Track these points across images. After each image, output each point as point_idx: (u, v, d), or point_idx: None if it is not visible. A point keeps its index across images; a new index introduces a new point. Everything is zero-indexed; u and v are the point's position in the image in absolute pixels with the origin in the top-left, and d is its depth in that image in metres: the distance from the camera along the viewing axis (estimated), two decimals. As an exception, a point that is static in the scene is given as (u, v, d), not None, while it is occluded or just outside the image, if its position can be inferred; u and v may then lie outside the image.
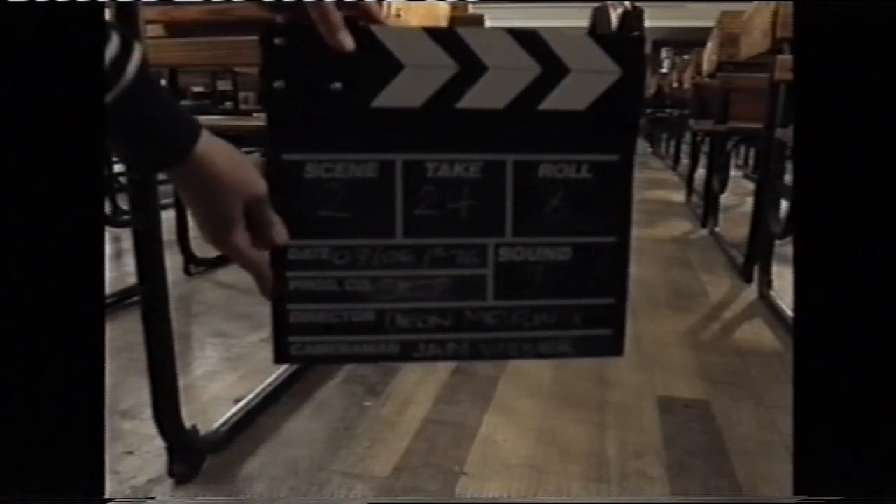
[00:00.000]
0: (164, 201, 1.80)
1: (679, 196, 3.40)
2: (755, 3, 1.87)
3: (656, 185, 4.11)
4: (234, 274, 1.79)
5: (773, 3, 1.60)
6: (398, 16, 1.44)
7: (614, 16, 5.26)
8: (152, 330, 0.80)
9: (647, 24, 5.75)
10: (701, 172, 3.00)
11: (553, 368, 1.20)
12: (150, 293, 0.81)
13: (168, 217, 1.68)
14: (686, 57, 4.85)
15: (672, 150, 5.27)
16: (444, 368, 1.18)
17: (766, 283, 1.62)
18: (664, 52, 14.33)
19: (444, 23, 1.84)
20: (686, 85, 3.90)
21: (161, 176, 0.44)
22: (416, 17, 1.53)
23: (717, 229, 2.37)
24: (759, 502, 0.92)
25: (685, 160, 4.52)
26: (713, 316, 1.53)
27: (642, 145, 7.74)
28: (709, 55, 2.61)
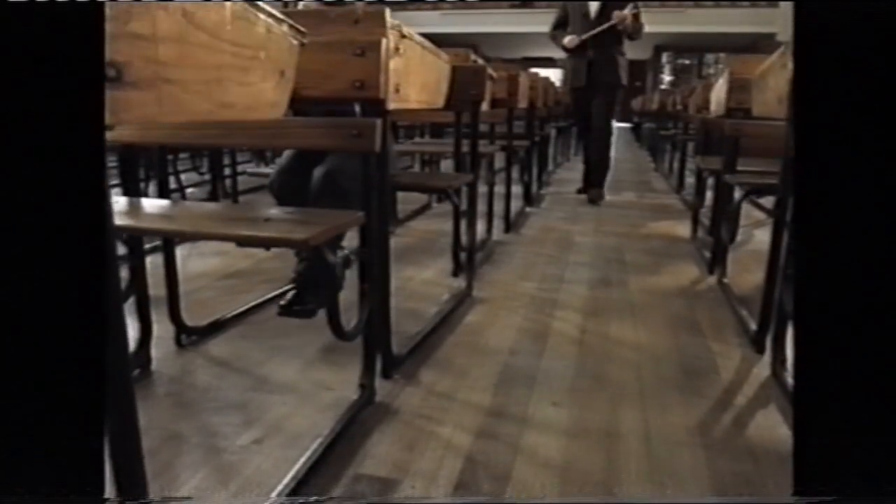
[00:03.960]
0: (150, 245, 1.69)
1: (684, 230, 3.32)
2: (769, 59, 1.81)
3: (660, 212, 4.04)
4: (227, 346, 1.72)
5: (787, 70, 1.54)
6: (397, 91, 1.37)
7: (595, 4, 4.42)
8: (118, 448, 0.73)
9: (648, 29, 5.62)
10: (707, 193, 2.90)
11: (560, 482, 1.14)
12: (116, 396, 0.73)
13: (156, 263, 1.59)
14: (686, 62, 4.77)
15: (676, 165, 5.19)
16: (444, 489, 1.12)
17: (779, 361, 1.56)
18: (665, 57, 14.28)
19: (445, 81, 1.78)
20: (691, 111, 3.83)
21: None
22: (413, 89, 1.46)
23: (725, 280, 2.31)
24: (759, 502, 0.87)
25: (690, 179, 4.46)
26: (725, 402, 1.47)
27: (645, 157, 7.66)
28: (717, 95, 2.54)
